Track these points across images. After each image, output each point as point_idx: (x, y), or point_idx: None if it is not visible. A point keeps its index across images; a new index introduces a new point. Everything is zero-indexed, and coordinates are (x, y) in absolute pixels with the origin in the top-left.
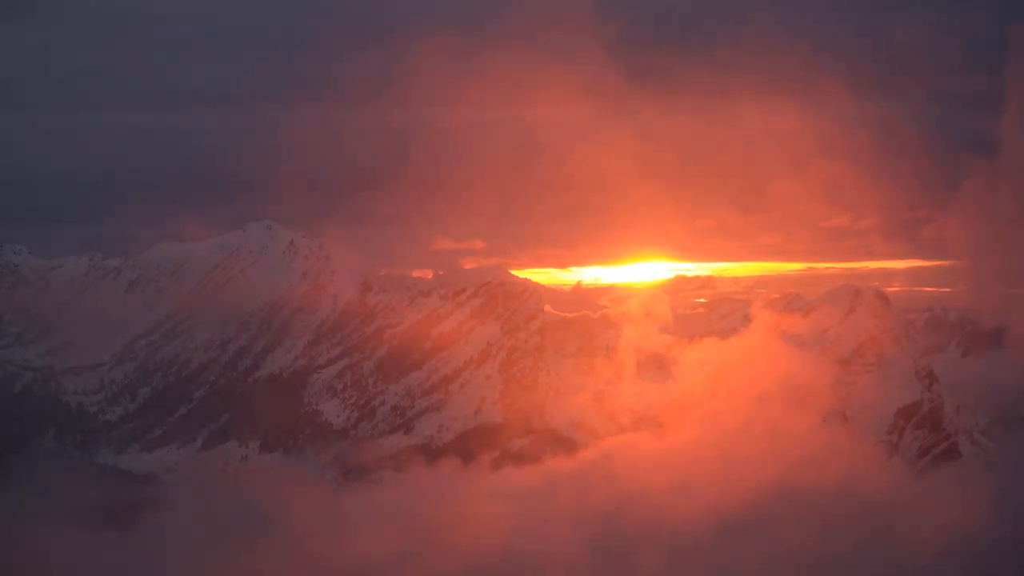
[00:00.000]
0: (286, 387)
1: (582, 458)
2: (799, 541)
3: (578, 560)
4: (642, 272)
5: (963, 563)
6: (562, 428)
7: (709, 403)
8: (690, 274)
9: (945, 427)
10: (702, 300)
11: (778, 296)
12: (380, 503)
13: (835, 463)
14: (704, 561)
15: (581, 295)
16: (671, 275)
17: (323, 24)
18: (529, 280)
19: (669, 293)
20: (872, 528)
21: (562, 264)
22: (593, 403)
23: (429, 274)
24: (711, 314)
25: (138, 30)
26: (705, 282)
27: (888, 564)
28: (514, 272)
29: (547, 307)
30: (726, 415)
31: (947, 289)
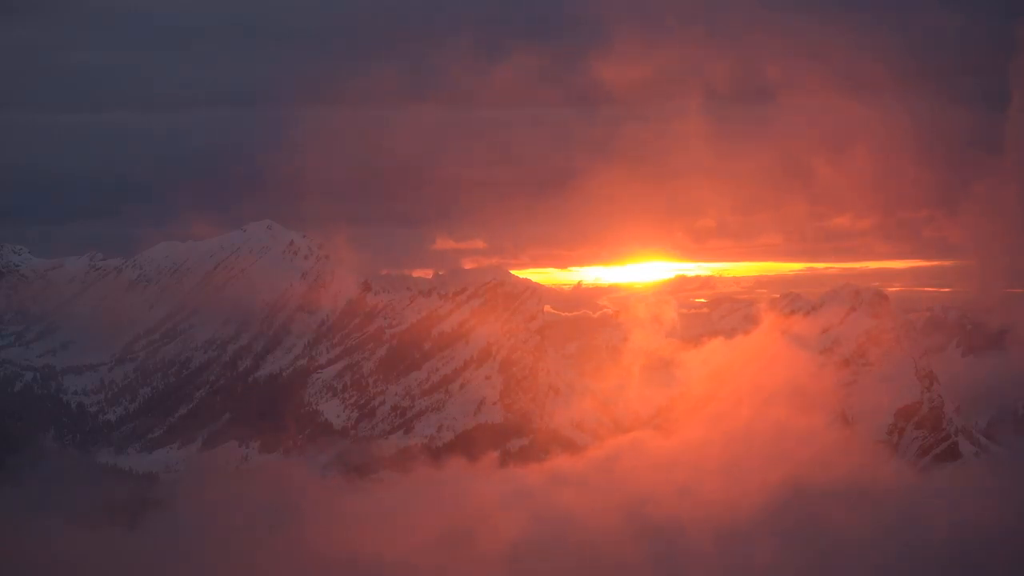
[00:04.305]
0: (286, 387)
1: (589, 457)
2: (805, 542)
3: (585, 559)
4: (642, 272)
5: (967, 563)
6: (562, 428)
7: (713, 404)
8: (690, 274)
9: (945, 427)
10: (702, 300)
11: (779, 296)
12: (388, 502)
13: (840, 463)
14: (710, 562)
15: (581, 295)
16: (671, 275)
17: (324, 24)
18: (529, 280)
19: (670, 293)
20: (878, 528)
21: (562, 264)
22: (594, 403)
23: (429, 274)
24: (712, 314)
25: (139, 30)
26: (705, 282)
27: (894, 564)
28: (514, 272)
29: (547, 307)
30: (731, 416)
31: (947, 289)
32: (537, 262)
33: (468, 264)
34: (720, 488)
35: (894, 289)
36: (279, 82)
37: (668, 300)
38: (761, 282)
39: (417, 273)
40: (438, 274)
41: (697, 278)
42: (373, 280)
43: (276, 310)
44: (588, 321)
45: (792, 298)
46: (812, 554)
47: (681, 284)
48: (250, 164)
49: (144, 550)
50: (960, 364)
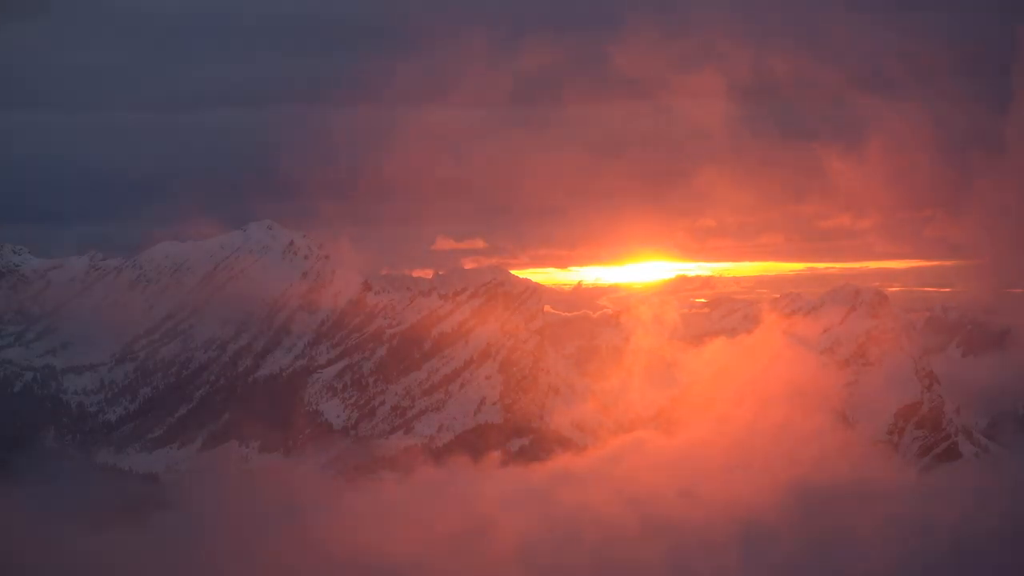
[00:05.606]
0: (286, 387)
1: (591, 457)
2: (806, 542)
3: (591, 557)
4: (642, 272)
5: (967, 563)
6: (563, 429)
7: (714, 405)
8: (691, 274)
9: (945, 427)
10: (703, 300)
11: (779, 296)
12: (394, 501)
13: (841, 464)
14: (714, 561)
15: (581, 295)
16: (672, 275)
17: (323, 25)
18: (529, 280)
19: (670, 293)
20: (878, 528)
21: (562, 264)
22: (595, 404)
23: (429, 274)
24: (712, 314)
25: (140, 30)
26: (706, 282)
27: (894, 564)
28: (514, 272)
29: (547, 307)
30: (732, 417)
31: (947, 289)
32: (537, 262)
33: (468, 264)
34: (722, 488)
35: (894, 289)
36: (280, 82)
37: (669, 300)
38: (762, 282)
39: (417, 273)
40: (438, 274)
41: (697, 278)
42: (373, 280)
43: (276, 310)
44: (588, 321)
45: (792, 298)
46: (813, 554)
47: (681, 284)
48: (251, 164)
49: (145, 550)
50: (960, 364)
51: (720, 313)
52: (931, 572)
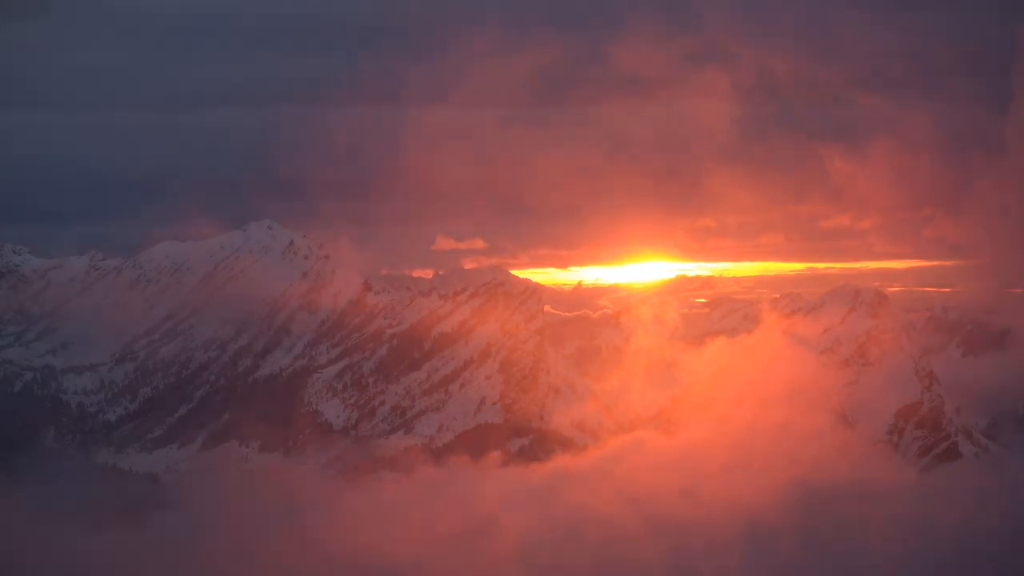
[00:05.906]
0: (286, 387)
1: (592, 457)
2: (806, 542)
3: (588, 558)
4: (642, 272)
5: (967, 563)
6: (563, 429)
7: (715, 405)
8: (691, 274)
9: (945, 427)
10: (703, 300)
11: (779, 296)
12: (395, 501)
13: (841, 464)
14: (713, 562)
15: (581, 295)
16: (672, 275)
17: (323, 25)
18: (529, 280)
19: (670, 293)
20: (878, 528)
21: (562, 264)
22: (595, 404)
23: (429, 274)
24: (712, 314)
25: (140, 30)
26: (706, 282)
27: (894, 564)
28: (514, 272)
29: (547, 307)
30: (732, 417)
31: (947, 289)
32: (537, 262)
33: (468, 264)
34: (723, 488)
35: (894, 289)
36: (280, 82)
37: (669, 300)
38: (761, 282)
39: (417, 273)
40: (438, 274)
41: (697, 278)
42: (373, 280)
43: (276, 310)
44: (588, 321)
45: (792, 298)
46: (814, 553)
47: (681, 284)
48: (251, 164)
49: (145, 550)
50: (960, 364)
51: (720, 313)
52: (931, 572)
